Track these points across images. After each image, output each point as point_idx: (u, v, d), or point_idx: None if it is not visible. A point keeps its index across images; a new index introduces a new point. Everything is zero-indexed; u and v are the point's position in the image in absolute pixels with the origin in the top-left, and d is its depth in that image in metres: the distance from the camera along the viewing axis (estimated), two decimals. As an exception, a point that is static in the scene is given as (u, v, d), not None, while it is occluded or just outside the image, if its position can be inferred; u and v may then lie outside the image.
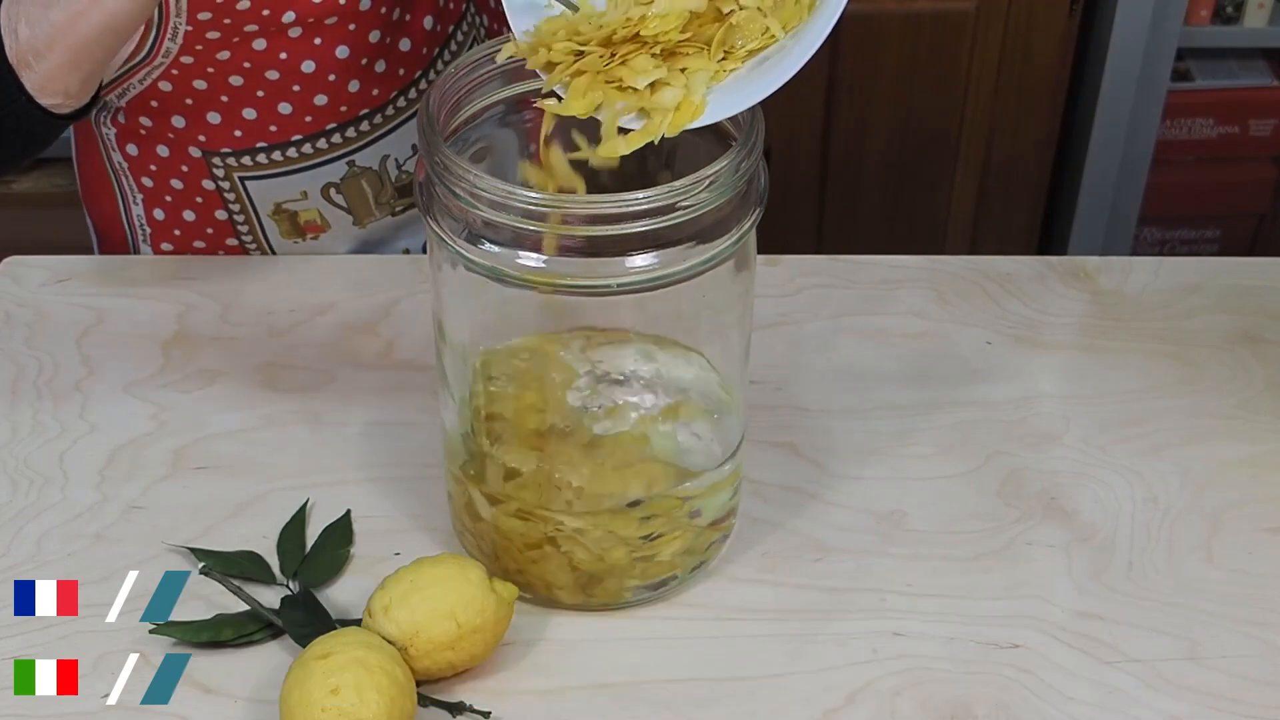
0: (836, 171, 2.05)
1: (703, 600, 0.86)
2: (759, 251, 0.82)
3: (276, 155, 1.08)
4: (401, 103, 1.09)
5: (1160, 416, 0.99)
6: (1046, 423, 0.98)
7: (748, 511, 0.91)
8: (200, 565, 0.85)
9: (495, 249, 0.73)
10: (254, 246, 1.14)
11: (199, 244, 1.14)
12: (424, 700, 0.79)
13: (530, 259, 0.72)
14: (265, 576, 0.86)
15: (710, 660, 0.83)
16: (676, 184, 0.71)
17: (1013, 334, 1.05)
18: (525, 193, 0.71)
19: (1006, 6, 1.91)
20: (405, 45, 1.07)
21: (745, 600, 0.86)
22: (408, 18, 1.06)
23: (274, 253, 1.14)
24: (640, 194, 0.71)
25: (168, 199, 1.12)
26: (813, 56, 0.72)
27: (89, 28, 0.85)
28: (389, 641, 0.78)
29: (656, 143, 0.74)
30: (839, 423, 0.98)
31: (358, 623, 0.81)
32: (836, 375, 1.01)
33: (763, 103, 0.75)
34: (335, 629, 0.80)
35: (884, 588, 0.87)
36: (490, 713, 0.78)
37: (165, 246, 1.15)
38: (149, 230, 1.15)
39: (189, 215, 1.12)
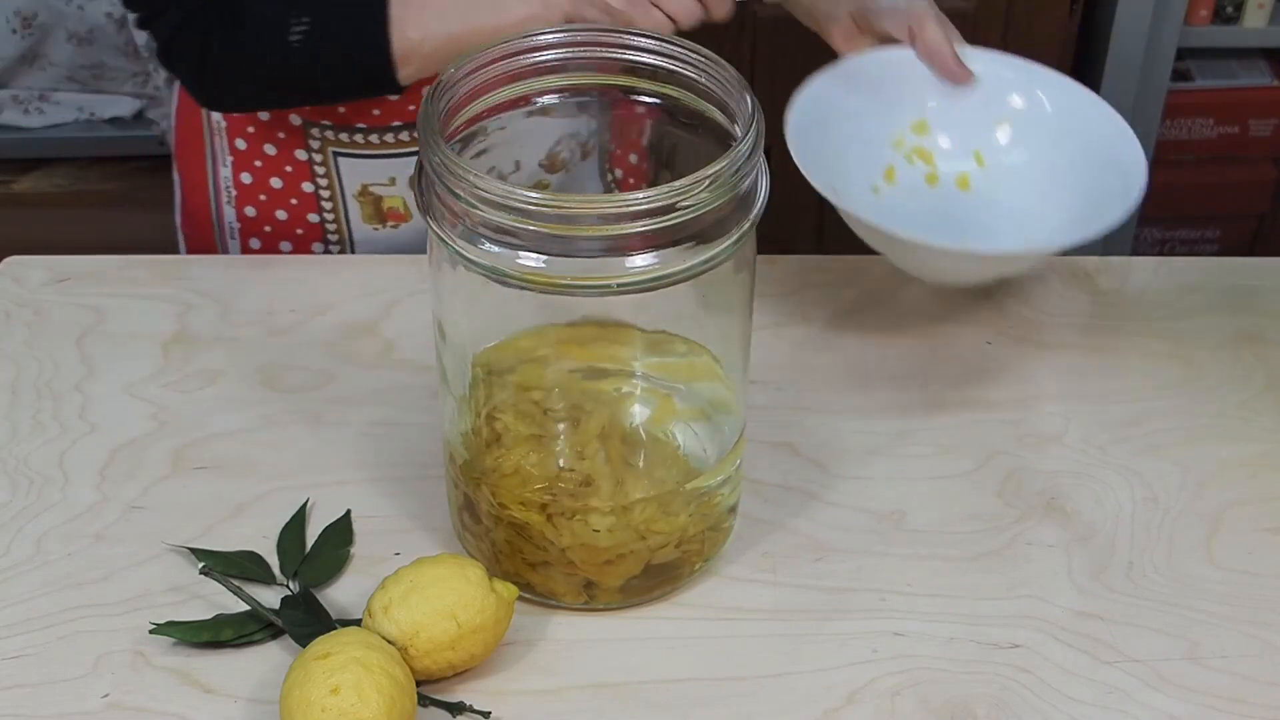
0: (837, 171, 2.05)
1: (703, 600, 0.86)
2: (759, 251, 0.82)
3: (374, 138, 1.10)
4: None
5: (1160, 416, 0.99)
6: (1046, 423, 0.98)
7: (748, 511, 0.91)
8: (200, 565, 0.85)
9: (495, 249, 0.73)
10: (334, 227, 1.15)
11: (281, 214, 1.15)
12: (424, 700, 0.79)
13: (530, 259, 0.72)
14: (265, 576, 0.86)
15: (710, 660, 0.83)
16: (676, 184, 0.71)
17: (1013, 334, 1.05)
18: (525, 193, 0.71)
19: (1006, 6, 1.91)
20: None
21: (745, 600, 0.86)
22: None
23: (352, 238, 1.15)
24: (640, 194, 0.71)
25: (258, 164, 1.14)
26: None
27: (480, 40, 0.89)
28: (389, 641, 0.78)
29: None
30: (839, 423, 0.98)
31: (358, 623, 0.81)
32: (836, 375, 1.01)
33: (762, 102, 0.76)
34: (335, 629, 0.80)
35: (884, 588, 0.87)
36: (490, 713, 0.78)
37: (249, 211, 1.16)
38: (235, 193, 1.16)
39: (276, 183, 1.14)
